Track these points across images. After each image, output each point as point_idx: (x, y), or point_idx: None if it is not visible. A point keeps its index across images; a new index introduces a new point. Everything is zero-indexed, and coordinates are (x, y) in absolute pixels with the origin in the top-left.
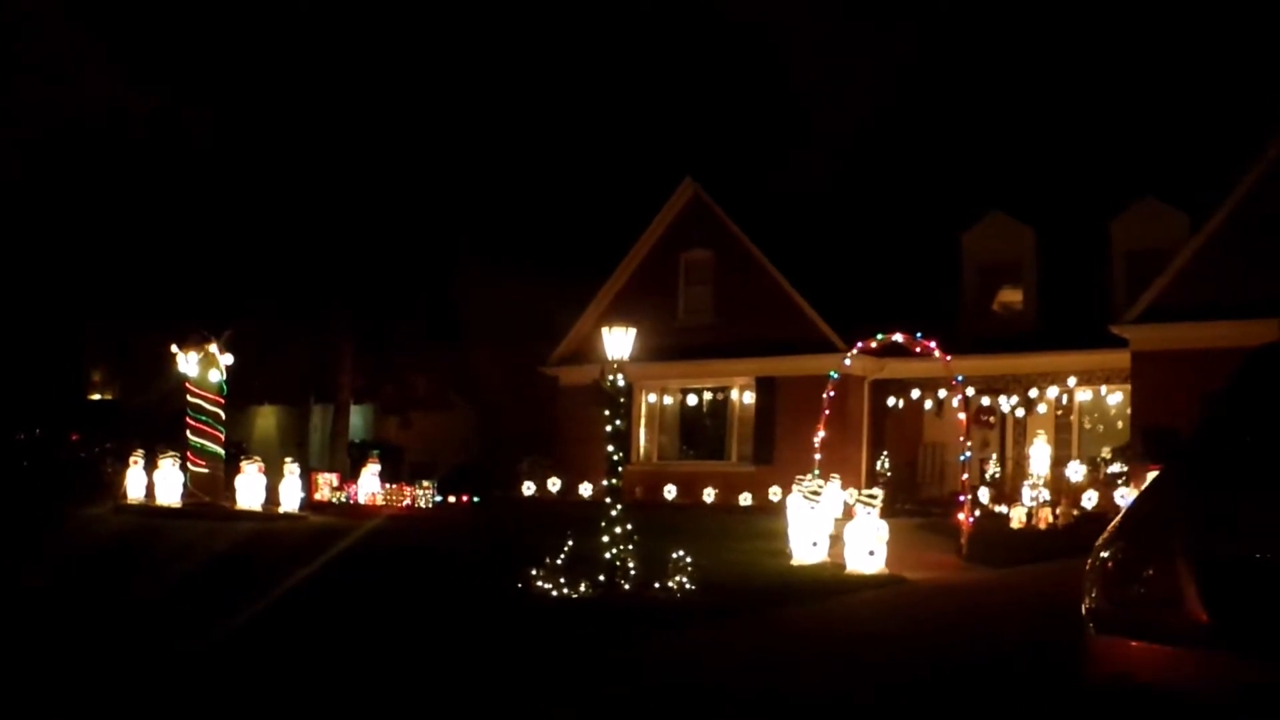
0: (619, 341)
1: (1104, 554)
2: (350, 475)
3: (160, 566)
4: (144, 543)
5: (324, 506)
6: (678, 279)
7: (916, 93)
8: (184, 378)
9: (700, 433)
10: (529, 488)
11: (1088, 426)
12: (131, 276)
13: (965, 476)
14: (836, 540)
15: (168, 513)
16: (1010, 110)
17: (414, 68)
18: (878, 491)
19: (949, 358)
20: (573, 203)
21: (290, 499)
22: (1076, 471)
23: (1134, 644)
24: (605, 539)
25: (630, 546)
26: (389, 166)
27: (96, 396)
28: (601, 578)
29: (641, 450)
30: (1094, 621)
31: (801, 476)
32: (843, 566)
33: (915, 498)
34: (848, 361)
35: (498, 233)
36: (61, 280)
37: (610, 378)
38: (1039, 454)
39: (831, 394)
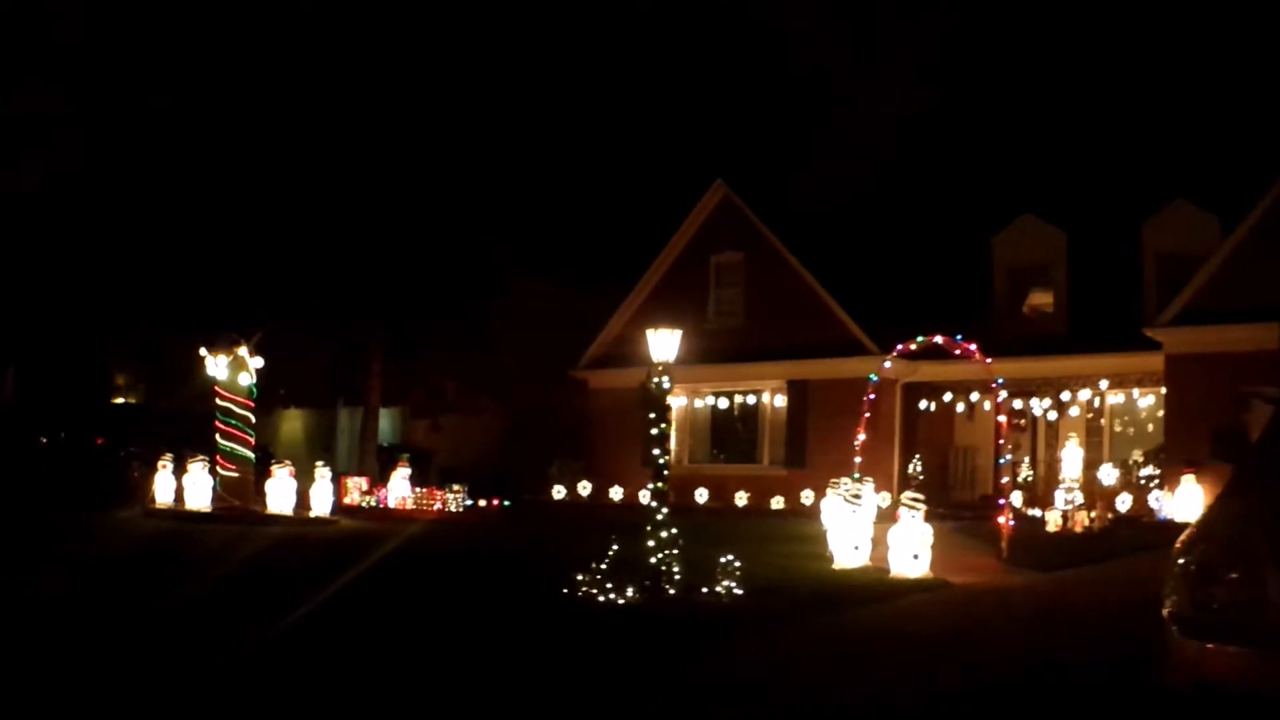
0: (663, 343)
1: (1187, 557)
2: (379, 479)
3: (193, 571)
4: (175, 547)
5: (354, 511)
6: (708, 281)
7: (947, 95)
8: (213, 381)
9: (731, 436)
10: (559, 491)
11: (1118, 429)
12: (158, 279)
13: (1005, 480)
14: (874, 544)
15: (198, 517)
16: (1041, 113)
17: (443, 70)
18: (920, 495)
19: (989, 360)
20: (602, 206)
21: (321, 503)
22: (1109, 475)
23: (1219, 647)
24: (651, 543)
25: (675, 551)
26: (418, 168)
27: (121, 400)
28: (647, 583)
29: (672, 453)
30: (1177, 625)
31: (836, 480)
32: (885, 570)
33: (946, 501)
34: (887, 364)
35: (527, 235)
36: (86, 282)
37: (655, 380)
38: (1071, 457)
39: (872, 396)
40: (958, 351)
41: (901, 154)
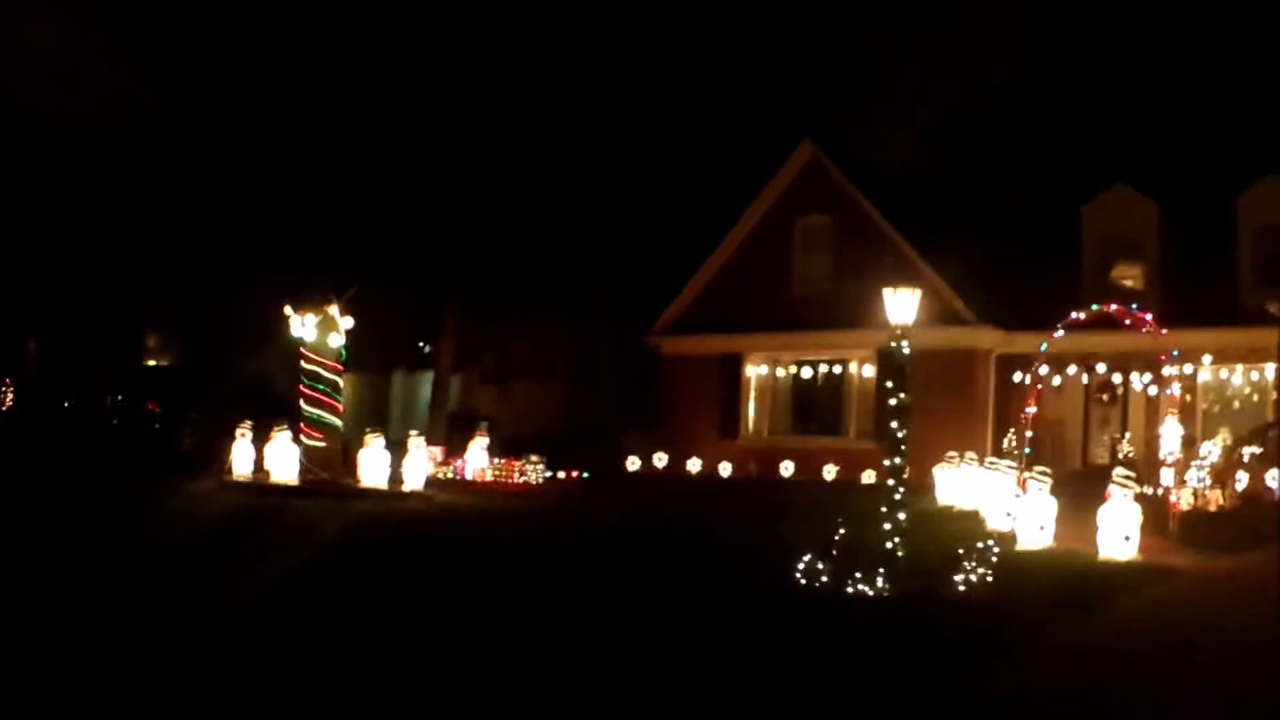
0: (903, 305)
1: None
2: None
3: (310, 554)
4: (274, 524)
5: (433, 482)
6: (792, 246)
7: (1039, 61)
8: (299, 342)
9: (814, 407)
10: (633, 462)
11: (1203, 406)
12: (193, 233)
13: (1177, 457)
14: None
15: (284, 490)
16: (1134, 83)
17: (522, 33)
18: (1132, 473)
19: (1165, 330)
20: (679, 168)
21: (415, 476)
22: (1211, 453)
23: None
24: (887, 526)
25: (902, 537)
26: (497, 123)
27: (152, 362)
28: (881, 570)
29: (750, 425)
30: None
31: (952, 454)
32: (1075, 551)
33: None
34: (1060, 333)
35: (601, 197)
36: (113, 241)
37: (894, 344)
38: (1170, 433)
39: (1044, 369)
40: (1128, 321)
41: (991, 121)
